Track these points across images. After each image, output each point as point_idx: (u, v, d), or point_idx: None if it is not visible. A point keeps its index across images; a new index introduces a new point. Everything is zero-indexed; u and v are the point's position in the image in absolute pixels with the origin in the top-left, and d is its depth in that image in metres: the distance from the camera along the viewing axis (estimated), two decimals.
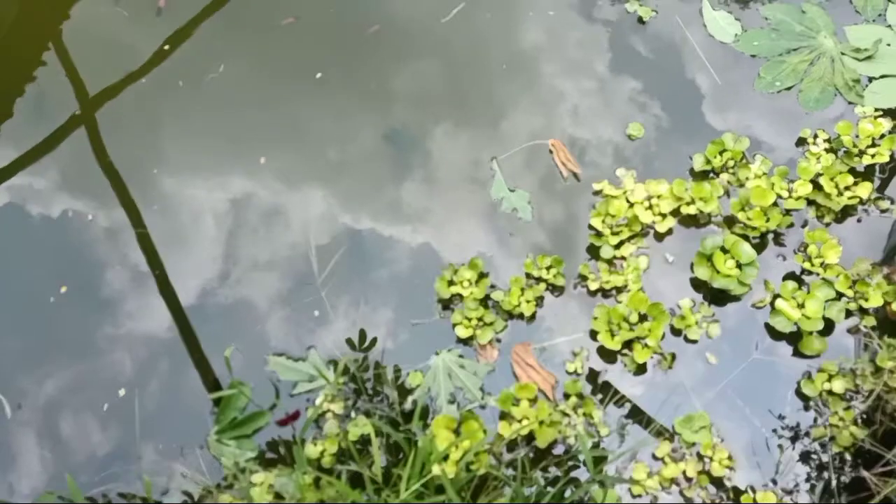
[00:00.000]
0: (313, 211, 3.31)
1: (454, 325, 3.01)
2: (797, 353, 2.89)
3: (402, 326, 3.09)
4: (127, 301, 3.18)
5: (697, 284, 3.05)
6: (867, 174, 3.13)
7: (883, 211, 3.08)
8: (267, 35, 3.67)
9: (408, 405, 2.94)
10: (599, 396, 2.90)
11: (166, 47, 3.62)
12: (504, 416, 2.89)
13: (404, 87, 3.55)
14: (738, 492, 2.75)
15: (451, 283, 3.07)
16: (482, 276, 3.09)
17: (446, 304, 3.09)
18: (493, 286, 3.09)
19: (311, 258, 3.19)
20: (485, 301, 3.07)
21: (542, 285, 3.07)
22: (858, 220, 3.11)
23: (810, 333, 2.84)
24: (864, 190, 3.04)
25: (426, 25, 3.66)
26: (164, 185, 3.38)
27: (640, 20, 3.56)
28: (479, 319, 3.02)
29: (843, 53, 3.34)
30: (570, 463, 2.81)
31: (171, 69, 3.61)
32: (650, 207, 3.12)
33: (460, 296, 3.06)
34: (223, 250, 3.25)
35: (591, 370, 2.96)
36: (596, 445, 2.83)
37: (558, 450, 2.84)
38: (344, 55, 3.62)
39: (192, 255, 3.26)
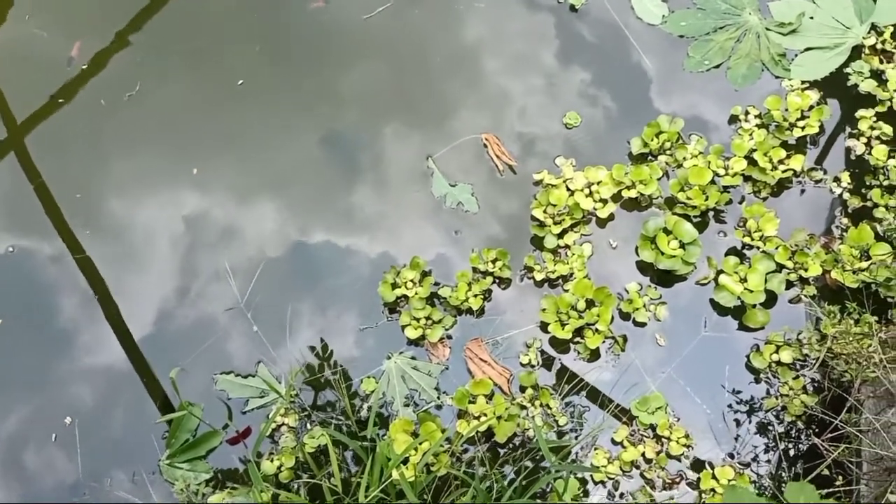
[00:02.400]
0: (251, 222, 3.24)
1: (403, 327, 2.98)
2: (743, 327, 2.94)
3: (351, 333, 3.05)
4: (69, 328, 3.09)
5: (643, 267, 3.07)
6: (799, 146, 3.18)
7: (817, 182, 3.13)
8: (182, 48, 3.58)
9: (364, 412, 2.91)
10: (555, 386, 2.91)
11: (84, 66, 3.52)
12: (462, 414, 2.87)
13: (330, 89, 3.48)
14: (698, 467, 2.78)
15: (394, 285, 3.04)
16: (425, 274, 3.06)
17: (392, 308, 3.07)
18: (437, 283, 3.07)
19: (255, 273, 3.14)
20: (431, 299, 3.05)
21: (489, 279, 3.05)
22: (798, 192, 3.16)
23: (753, 306, 2.89)
24: (797, 162, 3.08)
25: (348, 24, 3.59)
26: (97, 208, 3.28)
27: (573, 8, 3.56)
28: (428, 318, 2.99)
29: (767, 29, 3.38)
30: (531, 455, 2.81)
31: (91, 90, 3.50)
32: (590, 194, 3.12)
33: (406, 297, 3.04)
34: (161, 270, 3.17)
35: (546, 361, 2.97)
36: (560, 435, 2.83)
37: (519, 443, 2.85)
38: (263, 60, 3.54)
39: (128, 278, 3.17)
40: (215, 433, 2.84)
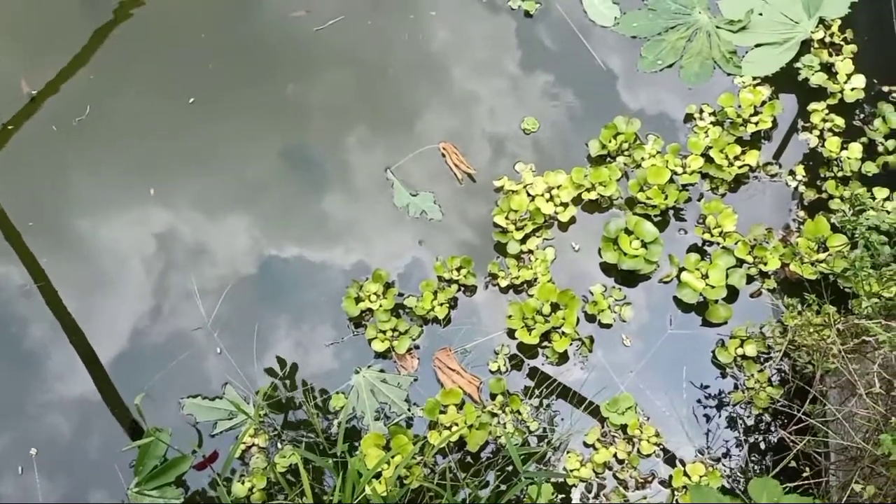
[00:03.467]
0: (213, 240, 3.21)
1: (370, 341, 2.97)
2: (706, 323, 2.96)
3: (318, 350, 3.02)
4: (33, 356, 3.04)
5: (607, 268, 3.08)
6: (754, 142, 3.22)
7: (773, 176, 3.17)
8: (132, 69, 3.54)
9: (335, 428, 2.89)
10: (526, 391, 2.91)
11: (34, 92, 3.46)
12: (433, 424, 2.86)
13: (284, 104, 3.46)
14: (670, 465, 2.80)
15: (358, 299, 3.02)
16: (388, 286, 3.05)
17: (358, 322, 3.05)
18: (401, 294, 3.06)
19: (221, 293, 3.11)
20: (396, 311, 3.03)
21: (454, 287, 3.05)
22: (755, 187, 3.19)
23: (715, 302, 2.91)
24: (753, 158, 3.12)
25: (300, 37, 3.57)
26: (53, 235, 3.23)
27: (527, 14, 3.58)
28: (394, 330, 2.98)
29: (718, 27, 3.42)
30: (504, 463, 2.81)
31: (42, 116, 3.43)
32: (551, 199, 3.13)
33: (371, 310, 3.02)
34: (122, 293, 3.13)
35: (515, 366, 2.97)
36: (539, 439, 2.83)
37: (492, 450, 2.84)
38: (213, 76, 3.51)
39: (91, 303, 3.12)
40: (184, 458, 2.80)
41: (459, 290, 3.07)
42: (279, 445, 2.86)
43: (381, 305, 2.98)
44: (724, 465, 2.79)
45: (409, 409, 2.91)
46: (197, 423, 2.90)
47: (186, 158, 3.37)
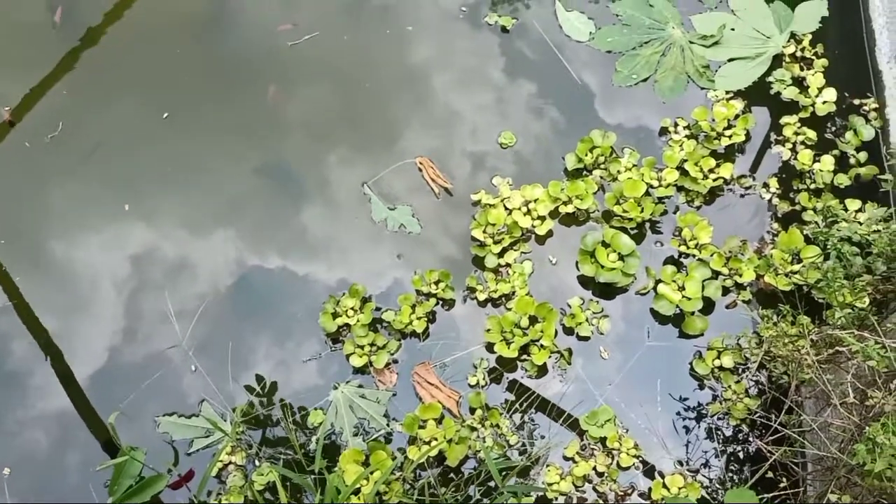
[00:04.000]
0: (189, 257, 3.18)
1: (348, 356, 2.95)
2: (683, 335, 2.97)
3: (296, 366, 3.00)
4: (8, 374, 3.00)
5: (584, 281, 3.09)
6: (728, 155, 3.25)
7: (747, 188, 3.20)
8: (105, 85, 3.52)
9: (313, 445, 2.86)
10: (505, 405, 2.90)
11: (7, 108, 3.43)
12: (412, 440, 2.85)
13: (259, 119, 3.45)
14: (650, 477, 2.80)
15: (335, 314, 3.01)
16: (365, 301, 3.04)
17: (336, 337, 3.03)
18: (379, 308, 3.05)
19: (196, 310, 3.09)
20: (373, 325, 3.02)
21: (433, 300, 3.05)
22: (730, 199, 3.21)
23: (692, 314, 2.93)
24: (727, 170, 3.15)
25: (275, 51, 3.57)
26: (28, 252, 3.19)
27: (504, 29, 3.60)
28: (372, 344, 2.97)
29: (691, 42, 3.47)
30: (484, 477, 2.79)
31: (13, 133, 3.41)
32: (528, 212, 3.14)
33: (348, 325, 3.00)
34: (96, 311, 3.09)
35: (494, 380, 2.97)
36: (522, 452, 2.82)
37: (472, 465, 2.83)
38: (188, 92, 3.50)
39: (67, 321, 3.08)
40: (159, 477, 2.76)
41: (438, 303, 3.06)
42: (257, 463, 2.83)
43: (358, 320, 2.97)
44: (703, 476, 2.79)
45: (388, 425, 2.89)
46: (173, 441, 2.87)
47: (161, 174, 3.34)
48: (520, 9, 3.65)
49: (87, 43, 3.58)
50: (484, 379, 2.94)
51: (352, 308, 2.99)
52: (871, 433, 1.95)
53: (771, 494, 2.49)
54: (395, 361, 2.99)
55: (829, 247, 2.47)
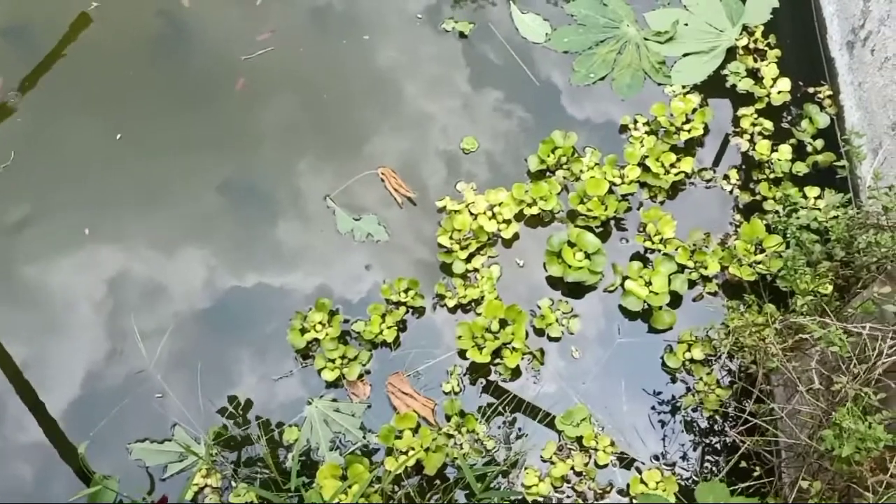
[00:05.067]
0: (154, 279, 3.14)
1: (319, 371, 2.93)
2: (652, 330, 2.99)
3: (268, 384, 2.97)
4: None
5: (553, 282, 3.10)
6: (688, 149, 3.28)
7: (708, 181, 3.24)
8: (57, 111, 3.48)
9: (289, 463, 2.84)
10: (480, 411, 2.90)
11: None
12: (389, 451, 2.83)
13: (215, 136, 3.43)
14: (628, 473, 2.81)
15: (303, 330, 2.99)
16: (333, 313, 3.03)
17: (306, 353, 3.01)
18: (347, 320, 3.03)
19: (164, 333, 3.05)
20: (343, 337, 3.01)
21: (402, 309, 3.04)
22: (692, 193, 3.24)
23: (660, 308, 2.95)
24: (688, 164, 3.18)
25: (228, 66, 3.55)
26: None
27: (462, 35, 3.61)
28: (343, 357, 2.95)
29: (646, 39, 3.50)
30: (462, 484, 2.79)
31: None
32: (493, 216, 3.15)
33: (317, 340, 2.98)
34: (62, 337, 3.04)
35: (468, 386, 2.96)
36: (489, 462, 2.82)
37: (450, 473, 2.82)
38: (142, 112, 3.47)
39: (27, 349, 3.03)
40: None
41: (408, 312, 3.05)
42: (233, 484, 2.80)
43: (327, 334, 2.95)
44: (681, 469, 2.81)
45: (364, 437, 2.88)
46: (147, 467, 2.83)
47: (119, 196, 3.30)
48: (476, 13, 3.66)
49: (41, 69, 3.54)
50: (459, 385, 2.94)
51: (319, 322, 2.97)
52: (838, 419, 1.97)
53: (746, 483, 2.51)
54: (368, 372, 2.97)
55: (788, 235, 2.50)
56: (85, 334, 3.05)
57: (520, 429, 2.88)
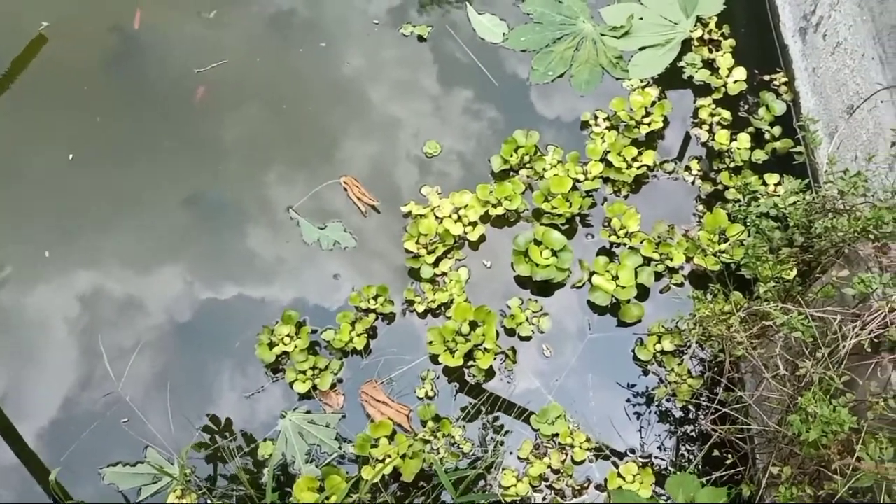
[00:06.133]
0: (120, 299, 3.11)
1: (291, 384, 2.91)
2: (621, 324, 3.00)
3: (239, 401, 2.94)
4: None
5: (522, 281, 3.10)
6: (649, 142, 3.30)
7: (670, 173, 3.26)
8: (8, 134, 3.44)
9: (266, 478, 2.81)
10: (456, 415, 2.89)
11: None
12: (366, 460, 2.82)
13: (172, 152, 3.39)
14: (604, 467, 2.81)
15: (271, 344, 2.96)
16: (301, 325, 3.01)
17: (276, 367, 2.98)
18: (315, 331, 3.01)
19: (131, 354, 3.01)
20: (312, 348, 2.99)
21: (372, 316, 3.02)
22: (655, 185, 3.26)
23: (627, 302, 2.96)
24: (649, 157, 3.20)
25: (185, 82, 3.52)
26: None
27: (421, 38, 3.60)
28: (314, 368, 2.93)
29: (602, 34, 3.52)
30: (440, 490, 2.78)
31: None
32: (459, 219, 3.15)
33: (287, 353, 2.96)
34: (25, 363, 3.00)
35: (443, 389, 2.95)
36: (477, 459, 2.81)
37: (428, 478, 2.81)
38: (96, 131, 3.43)
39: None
40: None
41: (378, 318, 3.04)
42: (209, 502, 2.77)
43: (296, 346, 2.93)
44: (658, 460, 2.82)
45: (339, 448, 2.86)
46: (121, 490, 2.79)
47: (78, 216, 3.26)
48: (434, 16, 3.66)
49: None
50: (432, 389, 2.93)
51: (287, 335, 2.95)
52: (803, 403, 1.99)
53: (720, 472, 2.53)
54: (340, 381, 2.96)
55: (749, 223, 2.52)
56: (50, 358, 3.01)
57: (496, 429, 2.88)
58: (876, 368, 2.02)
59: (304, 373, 2.91)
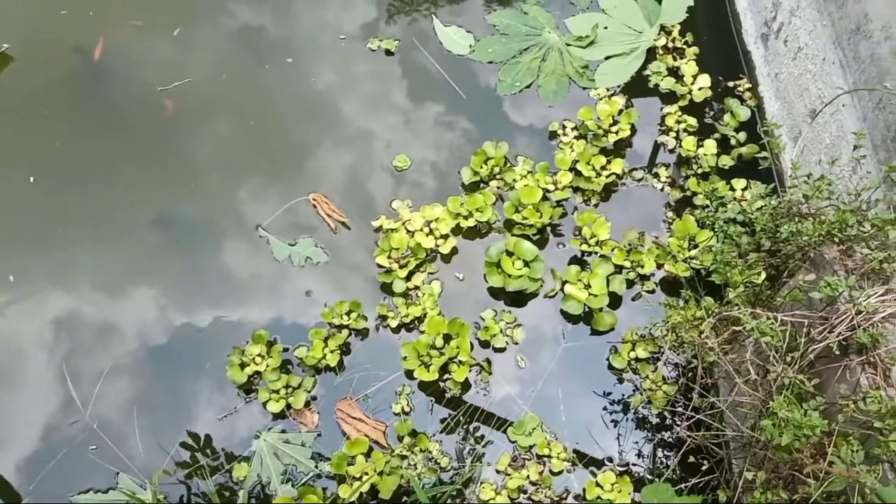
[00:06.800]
0: (87, 324, 3.06)
1: (264, 404, 2.87)
2: (594, 332, 3.01)
3: (212, 424, 2.89)
4: None
5: (495, 293, 3.10)
6: (617, 151, 3.32)
7: (639, 180, 3.28)
8: None
9: (241, 500, 2.77)
10: (432, 431, 2.87)
11: None
12: (342, 478, 2.79)
13: (137, 173, 3.35)
14: (582, 476, 2.80)
15: (242, 364, 2.93)
16: (271, 344, 2.98)
17: (248, 388, 2.95)
18: (287, 349, 2.99)
19: (98, 380, 2.96)
20: (284, 366, 2.96)
21: (345, 332, 3.00)
22: (624, 194, 3.27)
23: (600, 310, 2.97)
24: (618, 166, 3.22)
25: (149, 103, 3.49)
26: None
27: (389, 52, 3.60)
28: (287, 386, 2.90)
29: (568, 44, 3.54)
30: None
31: None
32: (430, 232, 3.14)
33: (258, 372, 2.93)
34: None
35: (419, 405, 2.93)
36: (455, 473, 2.79)
37: (406, 494, 2.79)
38: (52, 153, 3.38)
39: None
40: None
41: (351, 334, 3.02)
42: None
43: (267, 365, 2.90)
44: (636, 467, 2.82)
45: (316, 466, 2.82)
46: None
47: (43, 239, 3.21)
48: (401, 29, 3.66)
49: None
50: (408, 405, 2.91)
51: (258, 355, 2.92)
52: (775, 408, 2.00)
53: (696, 479, 2.53)
54: (314, 399, 2.93)
55: (717, 229, 2.54)
56: (17, 384, 2.94)
57: (473, 442, 2.86)
58: (845, 371, 2.03)
59: (277, 392, 2.87)
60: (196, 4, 3.73)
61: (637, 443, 2.87)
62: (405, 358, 2.89)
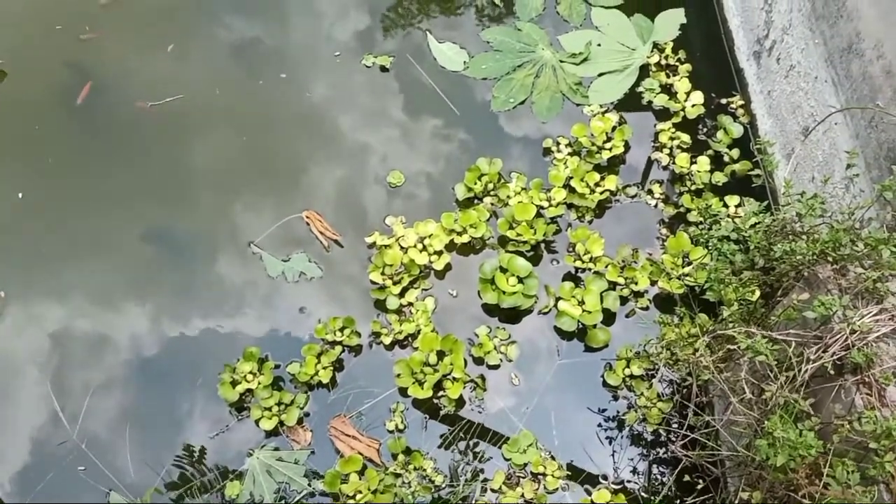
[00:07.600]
0: (75, 343, 3.04)
1: (257, 421, 2.85)
2: (588, 349, 3.00)
3: (204, 442, 2.87)
4: None
5: (489, 309, 3.09)
6: (611, 167, 3.32)
7: (632, 197, 3.29)
8: None
9: None
10: (427, 448, 2.86)
11: None
12: (336, 496, 2.77)
13: (130, 189, 3.34)
14: (578, 494, 2.79)
15: (234, 382, 2.91)
16: (263, 361, 2.96)
17: (240, 405, 2.93)
18: (278, 366, 2.97)
19: (84, 399, 2.93)
20: (276, 384, 2.94)
21: (338, 348, 2.98)
22: (618, 210, 3.28)
23: (594, 326, 2.96)
24: (612, 182, 3.22)
25: (139, 118, 3.48)
26: None
27: (384, 69, 3.60)
28: (279, 403, 2.88)
29: (562, 61, 3.55)
30: None
31: None
32: (424, 248, 3.13)
33: (250, 390, 2.91)
34: None
35: (413, 422, 2.92)
36: (439, 499, 2.77)
37: None
38: (43, 168, 3.37)
39: None
40: None
41: (344, 351, 3.00)
42: None
43: (259, 383, 2.88)
44: (631, 484, 2.81)
45: (309, 484, 2.80)
46: None
47: (33, 255, 3.19)
48: (395, 45, 3.66)
49: None
50: (402, 422, 2.90)
51: (250, 372, 2.90)
52: (770, 427, 2.00)
53: (692, 498, 2.52)
54: (307, 416, 2.91)
55: (710, 247, 2.54)
56: (2, 405, 2.92)
57: (468, 460, 2.85)
58: (840, 391, 2.03)
59: (269, 409, 2.85)
60: (191, 20, 3.73)
61: (632, 460, 2.86)
62: (399, 375, 2.88)
